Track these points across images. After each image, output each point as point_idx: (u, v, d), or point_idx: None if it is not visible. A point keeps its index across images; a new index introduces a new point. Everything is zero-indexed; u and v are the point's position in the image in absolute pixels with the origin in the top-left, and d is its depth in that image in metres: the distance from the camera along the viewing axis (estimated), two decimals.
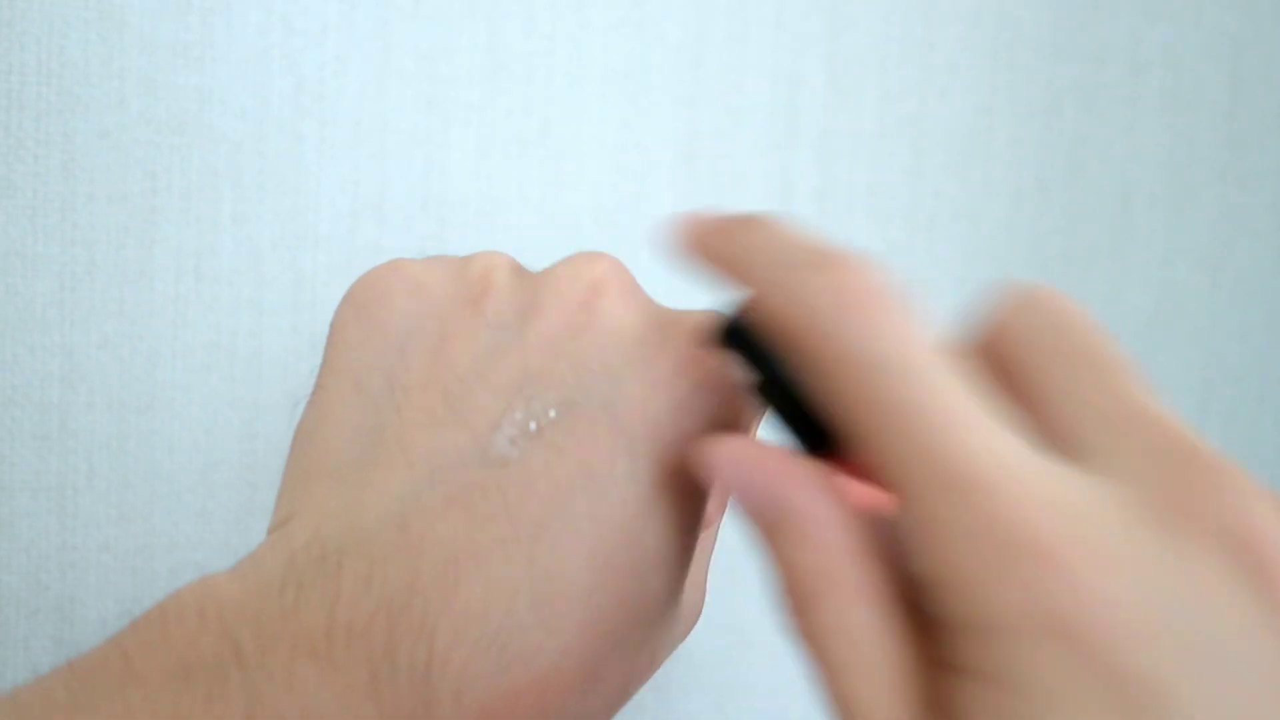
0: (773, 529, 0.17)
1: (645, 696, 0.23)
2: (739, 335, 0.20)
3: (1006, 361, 0.18)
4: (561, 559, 0.18)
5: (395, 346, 0.22)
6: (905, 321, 0.16)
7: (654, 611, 0.20)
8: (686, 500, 0.21)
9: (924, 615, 0.16)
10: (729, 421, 0.21)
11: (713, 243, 0.20)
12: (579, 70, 0.40)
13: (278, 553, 0.19)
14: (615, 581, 0.19)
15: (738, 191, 0.43)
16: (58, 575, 0.34)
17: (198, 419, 0.36)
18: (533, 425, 0.20)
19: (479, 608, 0.18)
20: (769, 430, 0.22)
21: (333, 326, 0.23)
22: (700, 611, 0.24)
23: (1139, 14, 0.49)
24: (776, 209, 0.43)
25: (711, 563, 0.28)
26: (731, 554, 0.33)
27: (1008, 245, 0.48)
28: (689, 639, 0.28)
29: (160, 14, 0.34)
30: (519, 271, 0.24)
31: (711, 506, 0.24)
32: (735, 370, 0.21)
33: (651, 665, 0.22)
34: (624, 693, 0.21)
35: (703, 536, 0.24)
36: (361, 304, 0.23)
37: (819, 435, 0.19)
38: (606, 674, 0.19)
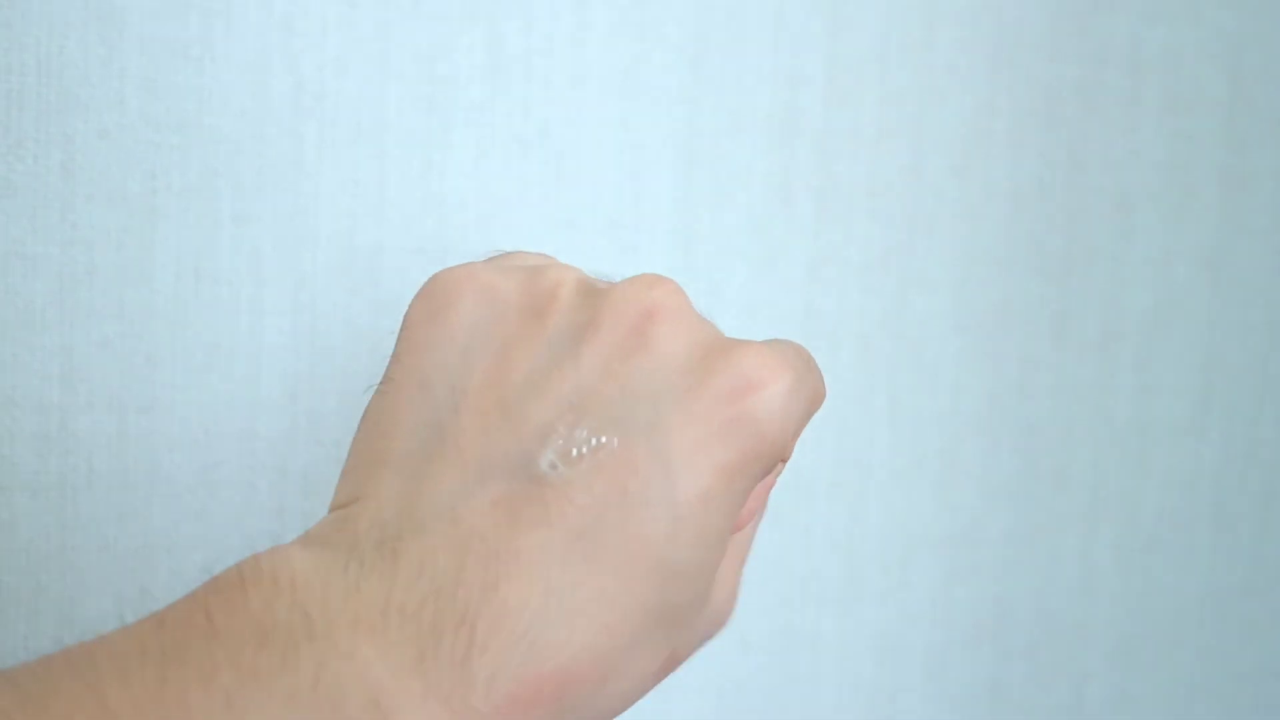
0: None
1: (646, 697, 0.23)
2: None
3: None
4: (591, 567, 0.20)
5: (460, 349, 0.23)
6: None
7: (676, 617, 0.22)
8: (715, 521, 0.22)
9: None
10: (762, 454, 0.23)
11: None
12: (579, 70, 0.40)
13: (344, 533, 0.21)
14: (640, 590, 0.21)
15: (738, 191, 0.43)
16: (58, 575, 0.34)
17: (198, 419, 0.36)
18: (578, 441, 0.22)
19: (515, 603, 0.20)
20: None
21: (405, 322, 0.25)
22: (729, 614, 0.26)
23: (1139, 14, 0.49)
24: (776, 209, 0.43)
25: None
26: None
27: (1008, 245, 0.48)
28: None
29: (160, 14, 0.34)
30: (586, 287, 0.25)
31: (744, 512, 0.25)
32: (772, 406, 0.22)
33: (672, 663, 0.24)
34: (641, 687, 0.22)
35: (735, 541, 0.25)
36: (434, 305, 0.24)
37: None
38: (625, 670, 0.21)
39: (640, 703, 0.23)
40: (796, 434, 0.24)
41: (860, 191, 0.45)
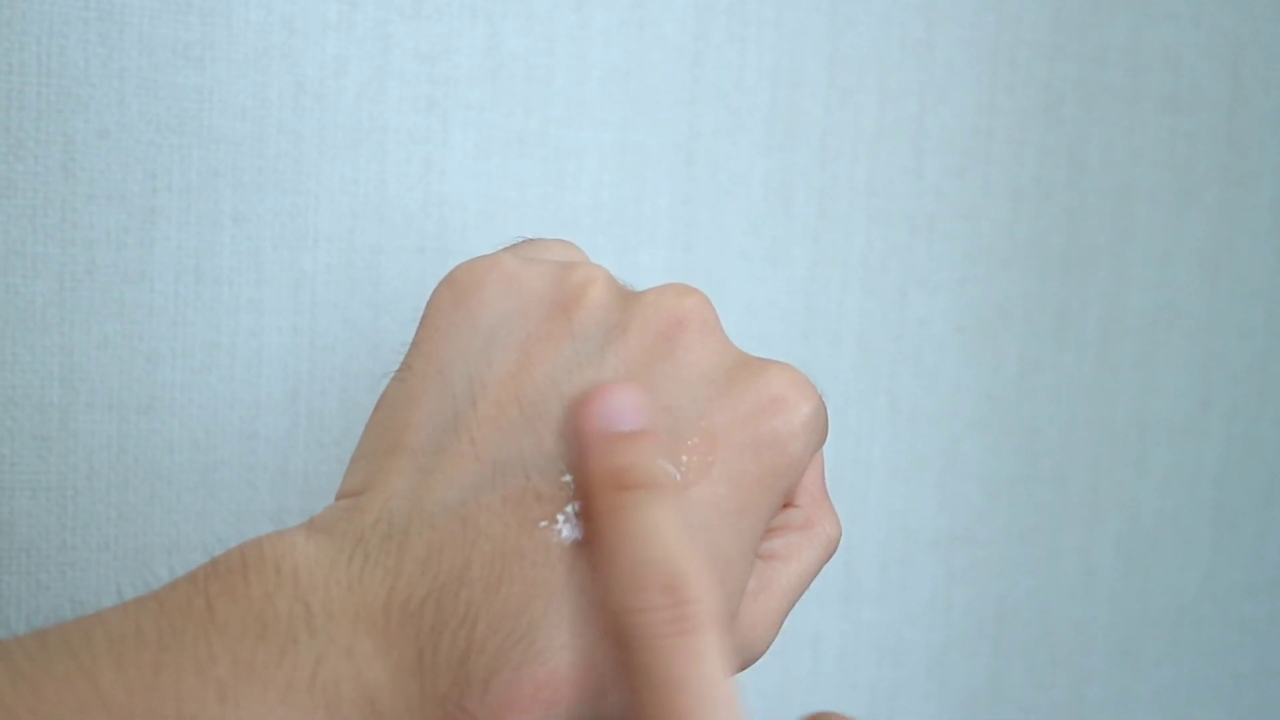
0: None
1: None
2: None
3: None
4: (595, 571, 0.20)
5: (482, 340, 0.23)
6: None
7: None
8: (730, 534, 0.22)
9: None
10: (781, 471, 0.22)
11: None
12: (579, 70, 0.40)
13: (350, 523, 0.20)
14: None
15: (738, 191, 0.43)
16: (58, 575, 0.34)
17: (198, 419, 0.36)
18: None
19: (516, 605, 0.19)
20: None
21: (428, 309, 0.24)
22: (762, 648, 0.24)
23: (1139, 14, 0.49)
24: (776, 209, 0.43)
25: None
26: None
27: (1008, 245, 0.48)
28: None
29: (160, 14, 0.34)
30: (614, 289, 0.24)
31: (781, 545, 0.25)
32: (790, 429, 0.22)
33: None
34: None
35: (776, 578, 0.25)
36: (458, 293, 0.24)
37: None
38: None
39: None
40: (811, 460, 0.24)
41: (860, 191, 0.45)
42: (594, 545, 0.19)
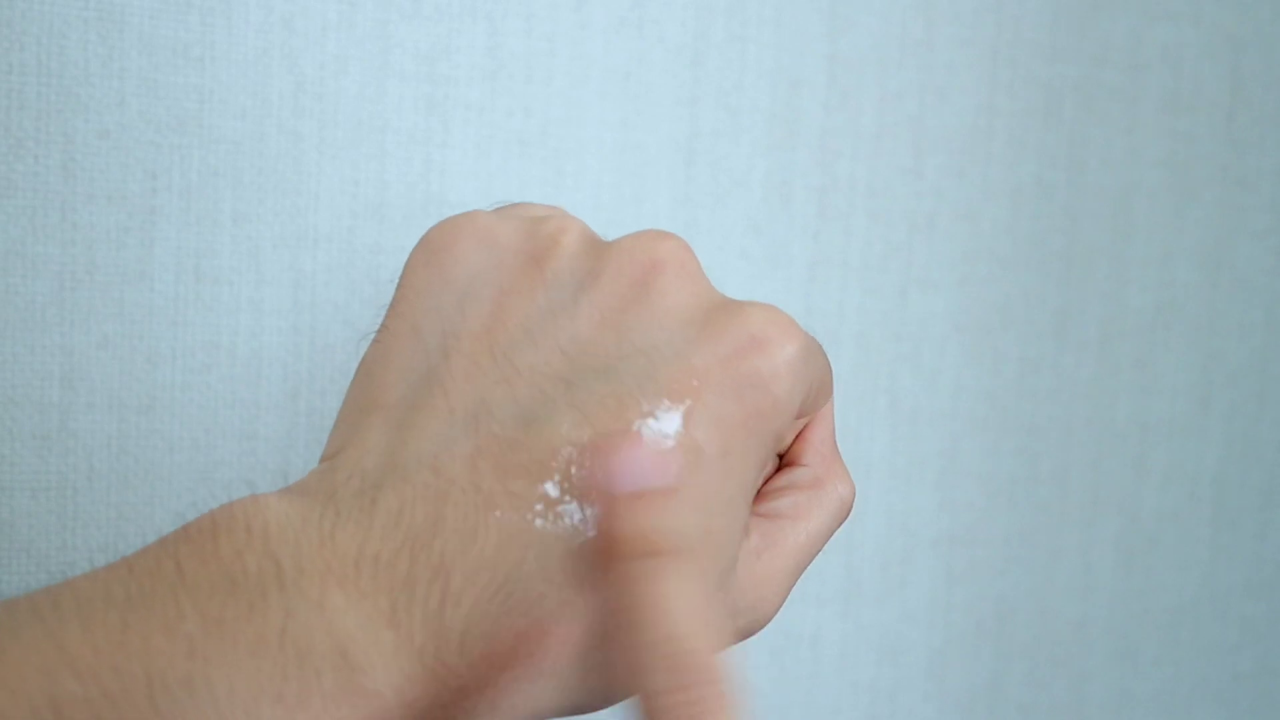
0: None
1: None
2: None
3: None
4: (573, 517, 0.19)
5: (456, 295, 0.23)
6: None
7: None
8: (714, 479, 0.21)
9: None
10: (766, 413, 0.22)
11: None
12: (579, 70, 0.40)
13: (322, 482, 0.20)
14: None
15: (738, 191, 0.43)
16: (58, 575, 0.34)
17: (198, 419, 0.36)
18: (565, 385, 0.20)
19: (492, 555, 0.19)
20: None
21: (404, 269, 0.24)
22: (769, 614, 0.24)
23: (1139, 14, 0.49)
24: (776, 209, 0.43)
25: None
26: None
27: (1008, 245, 0.48)
28: None
29: (160, 14, 0.34)
30: (588, 237, 0.24)
31: (788, 504, 0.24)
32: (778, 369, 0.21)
33: None
34: None
35: (783, 530, 0.24)
36: (432, 250, 0.23)
37: None
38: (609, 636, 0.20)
39: None
40: (801, 409, 0.23)
41: (860, 191, 0.45)
42: (617, 611, 0.19)
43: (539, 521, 0.19)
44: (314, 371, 0.37)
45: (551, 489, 0.19)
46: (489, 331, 0.22)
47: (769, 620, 0.24)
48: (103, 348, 0.34)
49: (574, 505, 0.20)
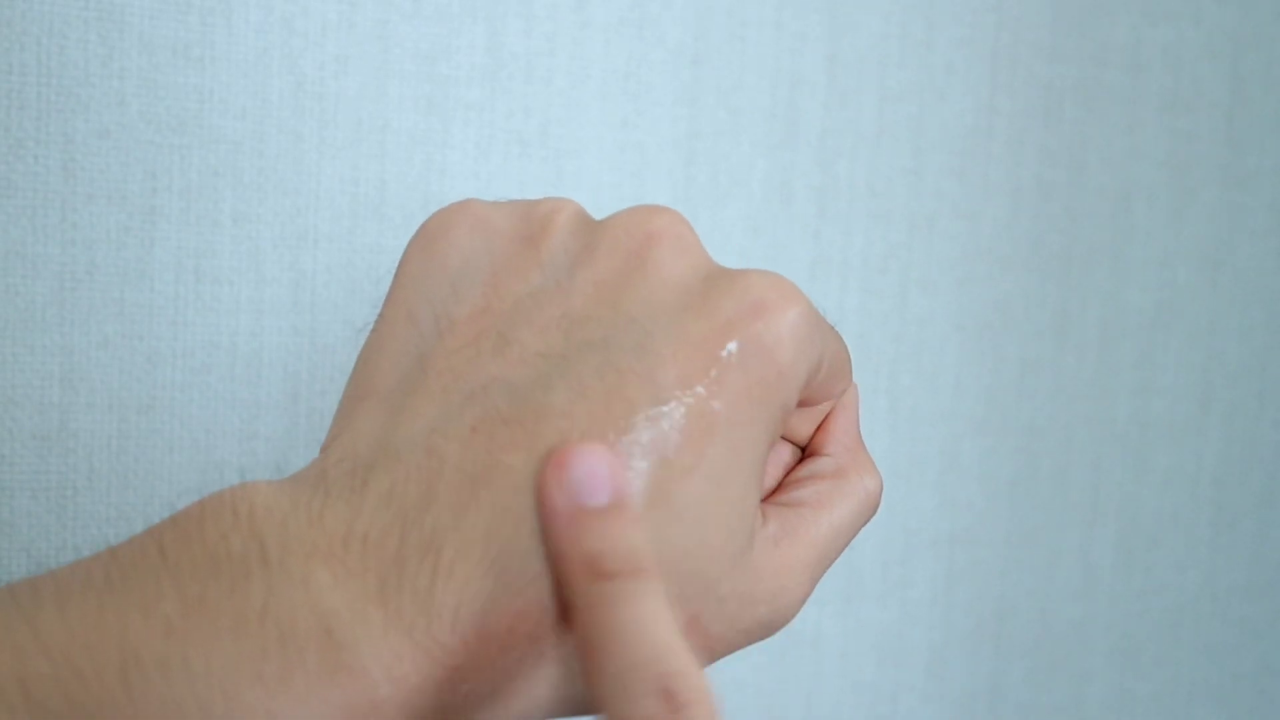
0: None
1: None
2: None
3: None
4: None
5: (450, 279, 0.22)
6: None
7: (681, 561, 0.20)
8: (719, 454, 0.20)
9: None
10: (770, 382, 0.21)
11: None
12: (579, 70, 0.40)
13: (314, 467, 0.20)
14: None
15: (738, 191, 0.43)
16: None
17: (198, 419, 0.36)
18: (560, 359, 0.20)
19: (484, 530, 0.18)
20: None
21: (401, 259, 0.24)
22: (789, 603, 0.22)
23: (1139, 14, 0.49)
24: (776, 209, 0.43)
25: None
26: None
27: (1008, 245, 0.48)
28: None
29: (160, 14, 0.34)
30: (583, 218, 0.23)
31: (809, 493, 0.23)
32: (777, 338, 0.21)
33: (698, 633, 0.21)
34: None
35: (804, 519, 0.23)
36: (427, 239, 0.23)
37: None
38: None
39: None
40: (811, 384, 0.22)
41: (860, 191, 0.45)
42: (579, 638, 0.18)
43: (532, 494, 0.19)
44: (314, 371, 0.37)
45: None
46: (483, 312, 0.21)
47: (793, 613, 0.23)
48: (103, 348, 0.34)
49: None
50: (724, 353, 0.20)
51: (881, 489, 0.24)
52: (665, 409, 0.20)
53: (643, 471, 0.19)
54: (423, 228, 0.23)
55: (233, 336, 0.36)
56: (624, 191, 0.41)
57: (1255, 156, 0.52)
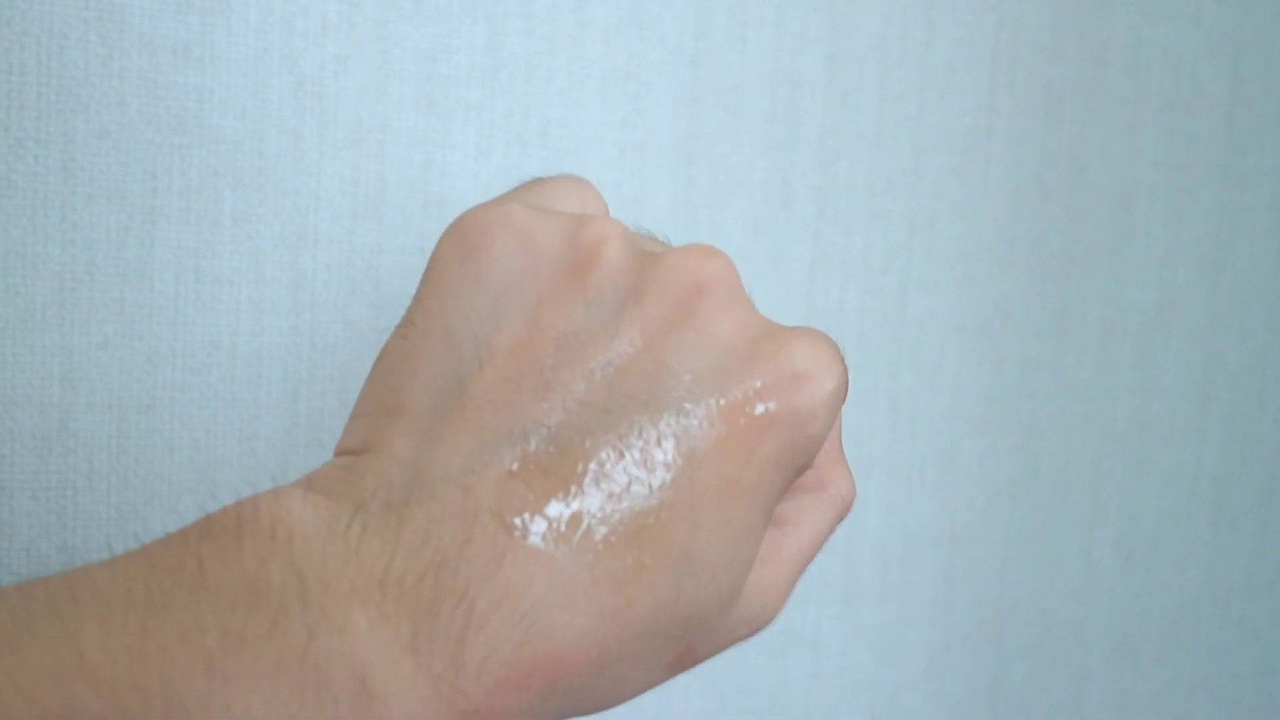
0: None
1: (645, 696, 0.23)
2: None
3: None
4: (601, 548, 0.19)
5: (490, 299, 0.22)
6: None
7: (693, 611, 0.21)
8: (742, 513, 0.21)
9: None
10: (799, 448, 0.22)
11: None
12: (579, 70, 0.40)
13: (349, 486, 0.20)
14: (652, 578, 0.20)
15: (738, 191, 0.43)
16: None
17: (198, 419, 0.36)
18: (603, 412, 0.20)
19: (519, 583, 0.18)
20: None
21: (433, 260, 0.23)
22: (771, 617, 0.24)
23: (1139, 14, 0.49)
24: (776, 209, 0.43)
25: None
26: None
27: (1008, 245, 0.48)
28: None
29: (160, 14, 0.34)
30: (632, 248, 0.23)
31: (790, 509, 0.24)
32: (814, 406, 0.21)
33: (690, 658, 0.22)
34: (648, 679, 0.21)
35: (786, 543, 0.24)
36: (465, 245, 0.22)
37: None
38: (627, 658, 0.20)
39: (640, 701, 0.22)
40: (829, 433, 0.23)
41: (860, 191, 0.45)
42: None
43: (565, 549, 0.19)
44: (314, 371, 0.37)
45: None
46: (525, 346, 0.21)
47: (771, 622, 0.24)
48: (103, 348, 0.34)
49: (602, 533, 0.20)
50: (759, 412, 0.21)
51: (854, 494, 0.25)
52: (700, 470, 0.20)
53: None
54: (459, 229, 0.23)
55: (233, 336, 0.36)
56: (624, 191, 0.41)
57: (1255, 156, 0.52)
